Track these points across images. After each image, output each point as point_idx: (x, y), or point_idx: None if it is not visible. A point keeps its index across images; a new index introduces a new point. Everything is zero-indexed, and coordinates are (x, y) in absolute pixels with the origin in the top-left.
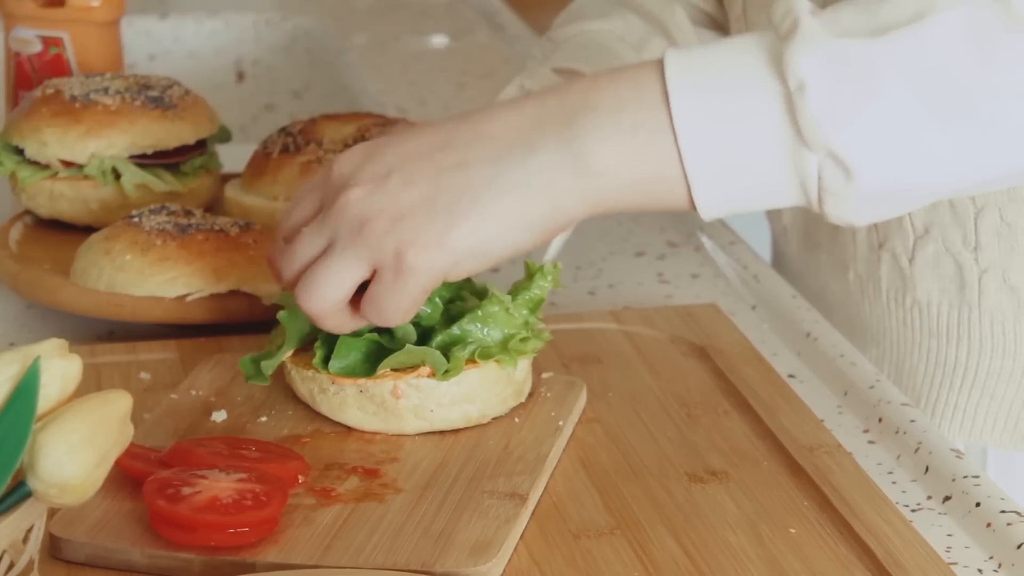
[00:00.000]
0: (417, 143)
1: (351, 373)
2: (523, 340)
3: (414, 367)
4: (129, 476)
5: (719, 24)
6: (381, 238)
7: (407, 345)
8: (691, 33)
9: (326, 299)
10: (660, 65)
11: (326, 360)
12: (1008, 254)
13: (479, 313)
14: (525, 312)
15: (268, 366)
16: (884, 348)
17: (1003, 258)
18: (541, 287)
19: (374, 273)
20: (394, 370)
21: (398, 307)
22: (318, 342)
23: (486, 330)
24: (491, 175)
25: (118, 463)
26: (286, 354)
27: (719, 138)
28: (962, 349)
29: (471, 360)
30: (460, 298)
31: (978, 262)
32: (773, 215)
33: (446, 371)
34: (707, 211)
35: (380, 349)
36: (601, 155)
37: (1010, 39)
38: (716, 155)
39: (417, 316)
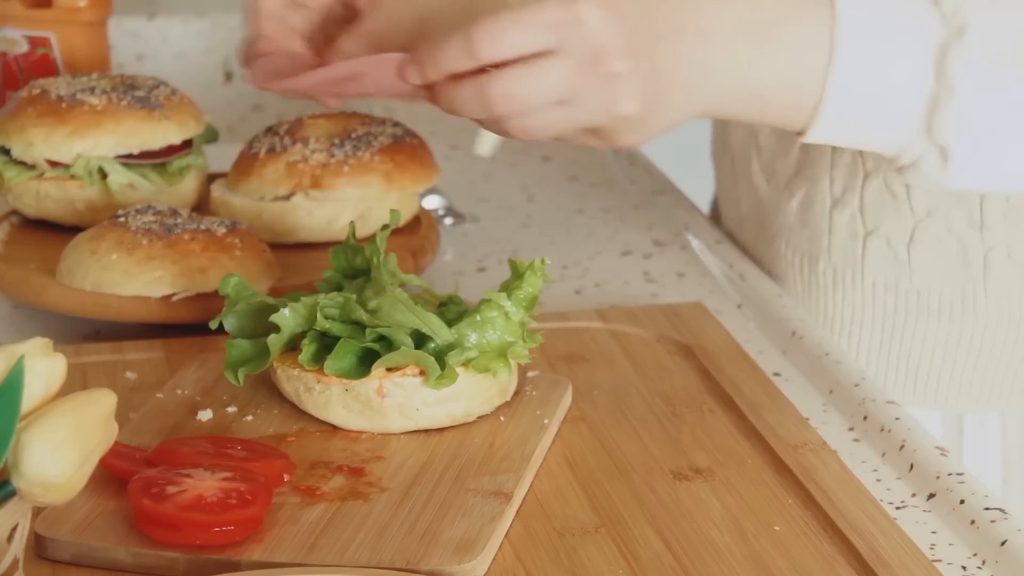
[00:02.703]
0: (660, 17)
1: (346, 375)
2: (519, 346)
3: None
4: (114, 475)
5: None
6: (609, 88)
7: (403, 347)
8: None
9: (528, 102)
10: (834, 11)
11: (313, 358)
12: (1014, 230)
13: (477, 318)
14: (521, 311)
15: (244, 373)
16: (863, 336)
17: (1009, 235)
18: (533, 283)
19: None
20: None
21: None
22: (306, 340)
23: (485, 336)
24: (702, 55)
25: (103, 462)
26: (262, 367)
27: (861, 96)
28: (967, 324)
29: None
30: (453, 302)
31: (983, 240)
32: (731, 203)
33: (439, 378)
34: (815, 136)
35: (374, 353)
36: (769, 80)
37: None
38: (851, 106)
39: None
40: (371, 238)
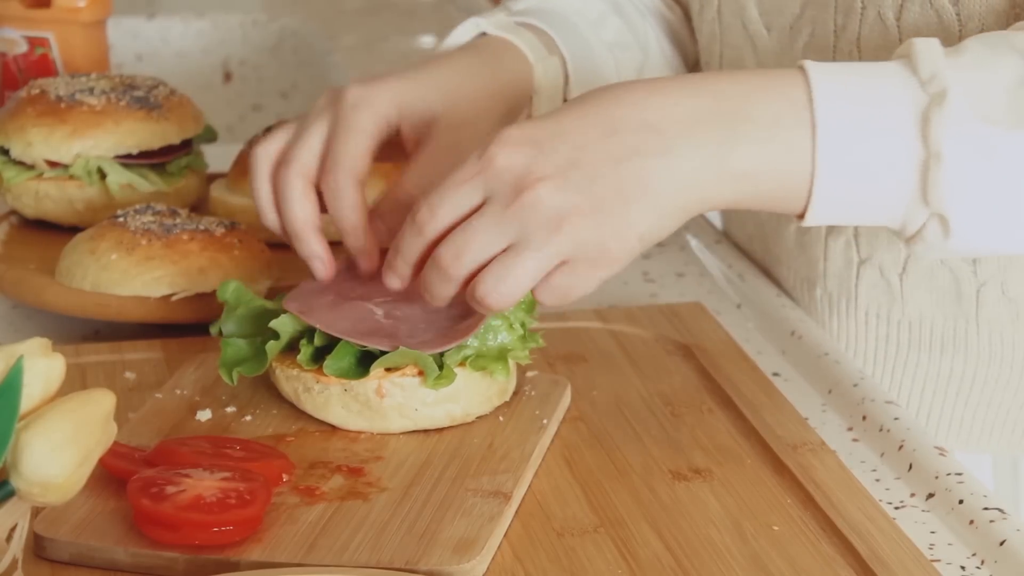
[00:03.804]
0: (582, 130)
1: (345, 375)
2: (519, 349)
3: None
4: (113, 475)
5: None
6: (583, 232)
7: (401, 347)
8: (646, 12)
9: (518, 294)
10: (808, 87)
11: (312, 358)
12: (1007, 266)
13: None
14: (521, 314)
15: (237, 373)
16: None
17: (1002, 271)
18: None
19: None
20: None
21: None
22: (304, 340)
23: (486, 341)
24: (665, 168)
25: (102, 462)
26: (258, 371)
27: (852, 171)
28: (958, 360)
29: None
30: None
31: (976, 275)
32: (737, 224)
33: (437, 378)
34: (816, 215)
35: (373, 353)
36: (750, 161)
37: None
38: (844, 183)
39: None
40: None
